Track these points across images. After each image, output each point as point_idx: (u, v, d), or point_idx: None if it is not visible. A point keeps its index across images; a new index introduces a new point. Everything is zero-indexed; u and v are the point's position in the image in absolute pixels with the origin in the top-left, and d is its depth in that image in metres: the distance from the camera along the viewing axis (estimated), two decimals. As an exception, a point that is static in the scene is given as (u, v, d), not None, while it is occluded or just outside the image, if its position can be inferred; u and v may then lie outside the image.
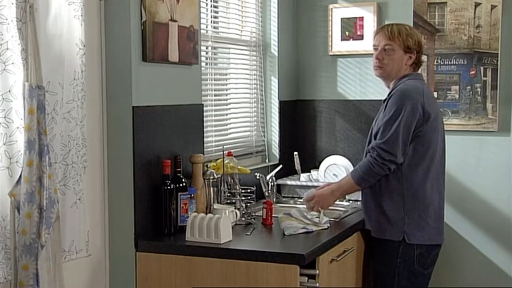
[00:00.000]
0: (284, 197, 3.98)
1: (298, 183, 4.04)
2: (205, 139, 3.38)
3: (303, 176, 4.10)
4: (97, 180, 2.84)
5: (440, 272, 3.94)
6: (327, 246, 2.89)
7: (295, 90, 4.40)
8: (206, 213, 3.02)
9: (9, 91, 2.32)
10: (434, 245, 3.21)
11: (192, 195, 3.04)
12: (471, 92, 4.03)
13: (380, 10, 4.17)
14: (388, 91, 3.27)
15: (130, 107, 2.84)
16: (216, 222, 2.83)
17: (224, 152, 3.32)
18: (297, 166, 4.11)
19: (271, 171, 3.79)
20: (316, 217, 3.15)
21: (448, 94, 4.08)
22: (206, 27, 3.60)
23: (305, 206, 3.33)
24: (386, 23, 3.77)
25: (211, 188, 3.18)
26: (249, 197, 3.36)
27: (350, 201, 3.71)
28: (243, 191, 3.34)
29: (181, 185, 2.99)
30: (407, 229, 3.14)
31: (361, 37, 4.20)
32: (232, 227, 2.97)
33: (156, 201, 2.95)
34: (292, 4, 4.35)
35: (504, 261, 4.02)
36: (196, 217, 2.88)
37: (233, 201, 3.29)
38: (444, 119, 3.40)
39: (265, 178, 3.68)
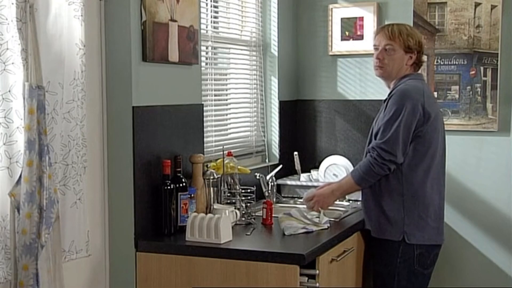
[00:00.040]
0: (284, 197, 3.98)
1: (298, 183, 4.03)
2: (205, 139, 3.38)
3: (303, 176, 4.10)
4: (97, 180, 2.84)
5: (440, 272, 3.94)
6: (327, 246, 2.89)
7: (295, 90, 4.40)
8: (206, 213, 3.01)
9: (9, 91, 2.32)
10: (434, 245, 3.21)
11: (192, 195, 3.04)
12: (471, 92, 4.03)
13: (380, 10, 4.17)
14: (388, 91, 3.27)
15: (130, 107, 2.83)
16: (216, 222, 2.83)
17: (224, 152, 3.32)
18: (297, 166, 4.11)
19: (271, 171, 3.79)
20: (316, 217, 3.15)
21: (448, 94, 4.08)
22: (206, 27, 3.60)
23: (305, 206, 3.33)
24: (386, 23, 3.77)
25: (211, 188, 3.18)
26: (249, 197, 3.36)
27: (350, 201, 3.71)
28: (243, 191, 3.34)
29: (181, 185, 2.99)
30: (407, 229, 3.13)
31: (361, 37, 4.20)
32: (232, 227, 2.97)
33: (156, 201, 2.95)
34: (292, 4, 4.35)
35: (504, 261, 4.02)
36: (196, 217, 2.88)
37: (233, 201, 3.29)
38: (444, 119, 3.39)
39: (265, 178, 3.67)
